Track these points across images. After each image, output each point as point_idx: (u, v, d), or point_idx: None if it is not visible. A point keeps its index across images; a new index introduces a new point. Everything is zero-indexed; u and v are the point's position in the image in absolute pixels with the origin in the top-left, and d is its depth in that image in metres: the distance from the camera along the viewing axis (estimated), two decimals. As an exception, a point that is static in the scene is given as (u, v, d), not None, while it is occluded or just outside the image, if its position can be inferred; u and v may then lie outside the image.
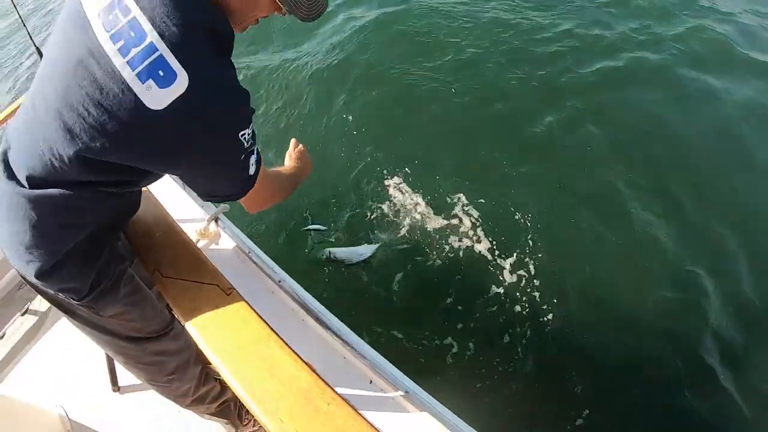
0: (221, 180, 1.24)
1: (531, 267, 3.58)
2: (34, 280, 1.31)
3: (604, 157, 4.23)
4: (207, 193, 1.29)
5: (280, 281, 1.80)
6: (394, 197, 4.18)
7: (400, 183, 4.25)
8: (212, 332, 1.31)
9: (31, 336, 3.06)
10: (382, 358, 1.63)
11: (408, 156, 4.44)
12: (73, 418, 2.58)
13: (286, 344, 1.24)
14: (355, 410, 1.10)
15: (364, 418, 1.08)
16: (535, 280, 3.51)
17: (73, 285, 1.30)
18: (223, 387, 2.02)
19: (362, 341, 1.66)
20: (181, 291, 1.45)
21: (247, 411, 2.16)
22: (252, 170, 1.24)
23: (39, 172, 1.15)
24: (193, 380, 1.85)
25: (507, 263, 3.62)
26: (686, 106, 4.67)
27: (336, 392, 1.14)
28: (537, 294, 3.44)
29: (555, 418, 2.92)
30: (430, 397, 1.54)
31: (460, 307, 3.44)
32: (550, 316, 3.32)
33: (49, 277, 1.27)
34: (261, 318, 1.31)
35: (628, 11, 5.94)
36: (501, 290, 3.48)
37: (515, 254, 3.66)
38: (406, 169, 4.34)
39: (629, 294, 3.40)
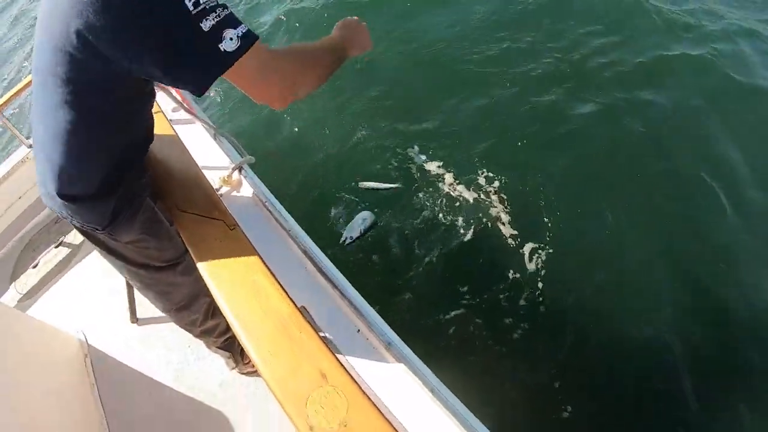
0: (181, 57, 1.18)
1: (550, 256, 3.72)
2: (62, 213, 1.56)
3: (640, 154, 4.31)
4: (175, 78, 1.24)
5: (289, 230, 2.00)
6: (419, 172, 4.42)
7: (427, 157, 4.51)
8: (212, 260, 1.52)
9: (62, 266, 3.41)
10: (374, 312, 1.81)
11: (437, 133, 4.70)
12: (92, 343, 2.89)
13: (276, 279, 1.44)
14: (323, 341, 1.28)
15: (329, 348, 1.27)
16: (552, 270, 3.65)
17: (93, 218, 1.54)
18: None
19: (358, 294, 1.85)
20: (191, 223, 1.67)
21: None
22: (228, 45, 1.16)
23: (44, 101, 1.34)
24: (201, 311, 2.09)
25: (527, 249, 3.78)
26: (727, 107, 4.62)
27: (311, 325, 1.33)
28: (551, 284, 3.58)
29: (539, 405, 3.08)
30: (412, 353, 1.71)
31: (471, 285, 3.64)
32: (560, 308, 3.47)
33: (72, 211, 1.52)
34: (257, 253, 1.52)
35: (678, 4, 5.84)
36: (518, 275, 3.66)
37: (536, 242, 3.82)
38: (435, 145, 4.61)
39: (646, 295, 3.48)
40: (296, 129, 5.20)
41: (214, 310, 2.16)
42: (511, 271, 3.67)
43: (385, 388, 1.55)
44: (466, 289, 3.61)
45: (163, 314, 2.69)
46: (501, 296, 3.55)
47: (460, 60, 5.37)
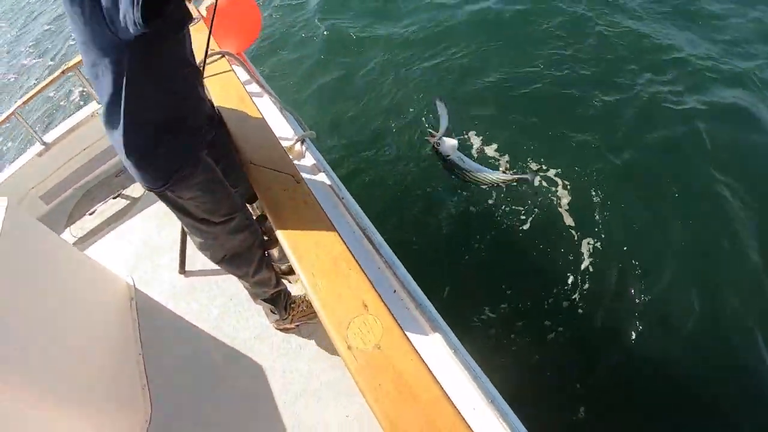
0: None
1: (602, 261, 3.91)
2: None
3: (716, 170, 4.42)
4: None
5: (342, 198, 2.31)
6: (477, 154, 4.81)
7: (485, 143, 4.88)
8: (277, 204, 1.85)
9: (119, 216, 3.81)
10: (411, 278, 2.10)
11: (498, 123, 5.06)
12: (139, 287, 3.25)
13: (332, 225, 1.75)
14: (366, 276, 1.58)
15: (372, 284, 1.56)
16: (602, 274, 3.84)
17: (148, 177, 1.86)
18: (279, 280, 2.60)
19: (398, 260, 2.14)
20: (263, 174, 2.01)
21: (291, 305, 2.74)
22: None
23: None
24: (252, 264, 2.42)
25: (582, 248, 4.00)
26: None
27: (359, 264, 1.63)
28: (598, 288, 3.77)
29: (556, 400, 3.30)
30: (439, 316, 1.99)
31: (516, 274, 3.92)
32: (607, 313, 3.64)
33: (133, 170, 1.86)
34: (319, 204, 1.83)
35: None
36: (566, 274, 3.88)
37: (590, 243, 4.03)
38: (496, 133, 4.97)
39: (702, 309, 3.59)
40: (355, 111, 5.70)
41: (267, 264, 2.50)
42: (560, 269, 3.91)
43: (413, 339, 1.83)
44: (511, 274, 3.91)
45: (209, 268, 3.09)
46: (544, 292, 3.79)
47: (528, 62, 5.74)
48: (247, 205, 2.60)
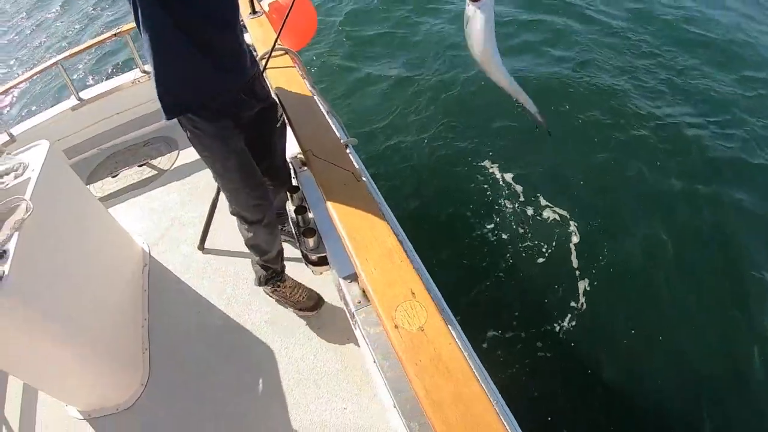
0: None
1: (605, 301, 4.28)
2: None
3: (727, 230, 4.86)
4: None
5: (379, 204, 2.62)
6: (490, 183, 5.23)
7: (500, 170, 5.35)
8: (338, 197, 2.16)
9: (142, 185, 4.07)
10: (434, 284, 2.42)
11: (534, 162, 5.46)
12: (154, 256, 3.50)
13: (387, 222, 2.06)
14: (416, 271, 1.90)
15: (421, 278, 1.88)
16: (602, 312, 4.20)
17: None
18: (278, 258, 3.01)
19: (423, 267, 2.46)
20: (324, 168, 2.31)
21: (279, 282, 3.09)
22: None
23: None
24: (251, 231, 2.80)
25: (592, 283, 4.37)
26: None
27: (409, 258, 1.94)
28: (599, 326, 4.12)
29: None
30: (456, 323, 2.31)
31: (528, 301, 4.29)
32: (605, 359, 3.94)
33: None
34: (375, 201, 2.15)
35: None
36: (564, 306, 4.23)
37: (591, 281, 4.39)
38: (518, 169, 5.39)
39: (705, 346, 3.95)
40: (383, 127, 6.22)
41: (265, 240, 2.86)
42: (567, 303, 4.26)
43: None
44: (521, 302, 4.26)
45: (229, 249, 3.36)
46: (551, 324, 4.12)
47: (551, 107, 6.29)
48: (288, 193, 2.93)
